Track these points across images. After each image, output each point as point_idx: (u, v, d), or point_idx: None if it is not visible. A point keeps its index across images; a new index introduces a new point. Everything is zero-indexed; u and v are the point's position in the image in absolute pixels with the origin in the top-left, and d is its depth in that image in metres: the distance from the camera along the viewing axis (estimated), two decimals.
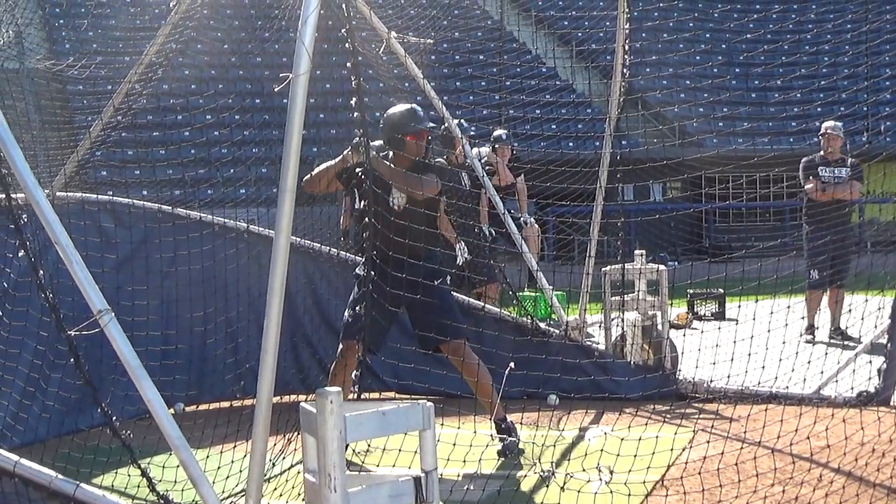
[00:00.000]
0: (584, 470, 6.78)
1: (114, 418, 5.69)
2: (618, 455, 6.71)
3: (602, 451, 6.83)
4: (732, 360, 8.24)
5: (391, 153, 7.74)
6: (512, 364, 7.61)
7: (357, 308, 7.34)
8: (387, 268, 7.15)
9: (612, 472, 6.67)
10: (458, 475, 6.73)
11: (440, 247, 7.82)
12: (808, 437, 6.85)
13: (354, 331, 7.49)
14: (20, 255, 5.81)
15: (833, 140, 12.75)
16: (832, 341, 11.60)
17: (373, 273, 6.75)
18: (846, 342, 11.60)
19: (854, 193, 12.65)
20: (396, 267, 7.25)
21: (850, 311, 11.98)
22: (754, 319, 8.17)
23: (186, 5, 10.03)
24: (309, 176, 7.71)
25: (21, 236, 5.77)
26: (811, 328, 12.31)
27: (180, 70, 18.52)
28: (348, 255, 10.06)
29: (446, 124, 11.04)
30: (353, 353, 7.51)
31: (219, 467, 6.74)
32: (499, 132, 14.36)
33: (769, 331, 8.25)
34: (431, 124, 8.00)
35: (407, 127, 7.69)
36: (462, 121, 12.70)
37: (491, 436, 7.61)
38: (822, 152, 12.80)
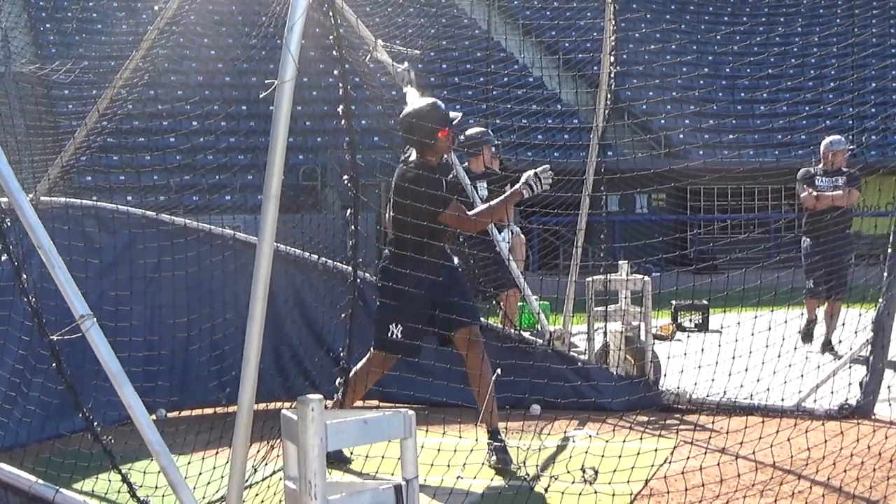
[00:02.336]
0: (568, 472, 6.80)
1: (95, 423, 5.68)
2: (602, 456, 6.74)
3: (587, 452, 6.85)
4: (715, 371, 8.27)
5: (414, 153, 7.65)
6: (499, 370, 7.60)
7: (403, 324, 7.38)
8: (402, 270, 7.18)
9: (596, 473, 6.70)
10: (442, 480, 6.74)
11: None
12: (789, 444, 6.89)
13: (389, 344, 7.54)
14: (3, 259, 5.81)
15: (840, 153, 12.80)
16: (815, 354, 11.62)
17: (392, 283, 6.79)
18: (831, 354, 11.64)
19: (850, 200, 12.66)
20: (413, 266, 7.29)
21: (843, 324, 12.04)
22: (739, 327, 8.20)
23: (173, 11, 10.02)
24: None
25: (4, 241, 5.76)
26: (812, 322, 12.54)
27: (166, 76, 18.50)
28: (333, 263, 10.01)
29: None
30: (381, 364, 7.54)
31: (200, 473, 6.73)
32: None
33: (752, 342, 8.28)
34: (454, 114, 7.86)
35: (442, 121, 7.61)
36: (489, 130, 12.91)
37: (474, 446, 7.56)
38: (821, 164, 12.84)
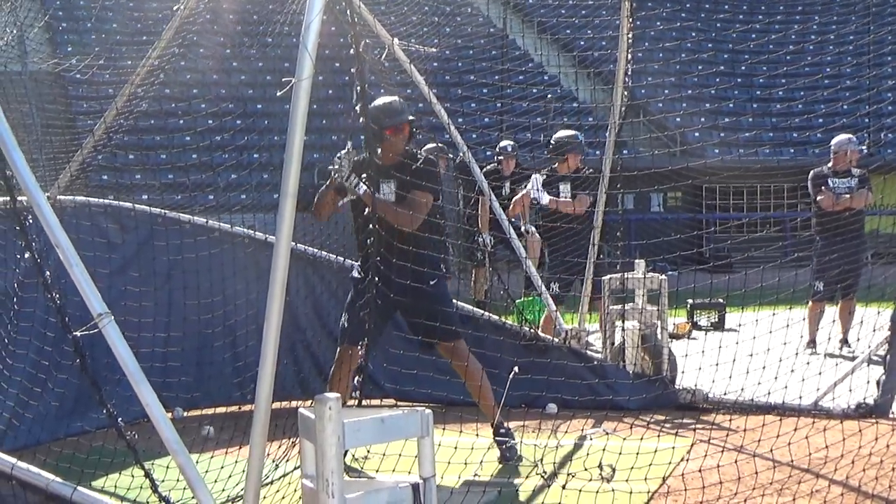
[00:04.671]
0: (585, 469, 6.80)
1: (119, 419, 5.69)
2: (619, 454, 6.73)
3: (604, 451, 6.85)
4: (732, 370, 8.26)
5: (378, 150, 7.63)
6: (516, 368, 7.61)
7: (361, 313, 7.28)
8: (387, 271, 7.13)
9: (614, 470, 6.70)
10: (459, 479, 6.75)
11: (431, 246, 7.72)
12: (807, 442, 6.87)
13: (352, 335, 7.47)
14: (26, 256, 5.83)
15: (853, 153, 12.64)
16: (833, 353, 11.57)
17: (376, 277, 6.74)
18: (848, 353, 11.59)
19: (867, 202, 12.52)
20: (391, 270, 7.23)
21: (861, 323, 11.97)
22: (756, 325, 8.18)
23: (189, 9, 10.03)
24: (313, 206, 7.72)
25: (26, 238, 5.78)
26: (812, 343, 12.25)
27: (182, 74, 18.49)
28: (348, 260, 10.01)
29: (461, 153, 10.96)
30: (351, 357, 7.50)
31: (222, 466, 6.76)
32: (504, 143, 14.41)
33: (769, 341, 8.26)
34: (411, 117, 7.82)
35: (386, 120, 7.61)
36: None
37: (491, 444, 7.60)
38: (830, 164, 12.67)
